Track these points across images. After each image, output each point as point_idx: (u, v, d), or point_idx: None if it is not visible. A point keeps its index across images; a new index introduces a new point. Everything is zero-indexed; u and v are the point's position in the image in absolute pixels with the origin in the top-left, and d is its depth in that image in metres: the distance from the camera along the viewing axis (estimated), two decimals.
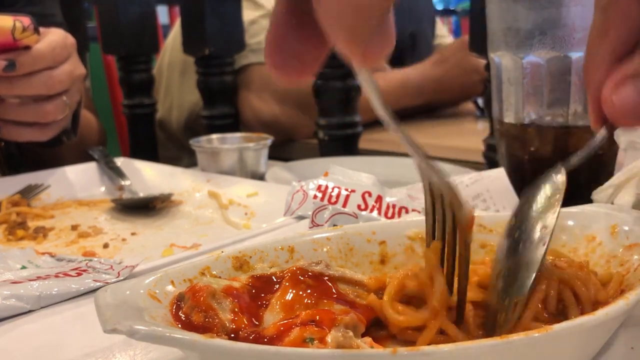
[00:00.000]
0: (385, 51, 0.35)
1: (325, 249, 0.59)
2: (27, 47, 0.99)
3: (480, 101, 2.05)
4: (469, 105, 2.16)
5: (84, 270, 0.65)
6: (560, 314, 0.49)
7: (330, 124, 1.49)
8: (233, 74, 1.80)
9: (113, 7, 1.77)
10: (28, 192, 1.10)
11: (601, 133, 0.56)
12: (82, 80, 1.13)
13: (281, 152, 1.69)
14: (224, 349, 0.39)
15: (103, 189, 1.18)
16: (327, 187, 0.82)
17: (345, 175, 0.86)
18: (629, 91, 0.46)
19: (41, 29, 1.03)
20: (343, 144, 1.50)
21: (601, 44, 0.50)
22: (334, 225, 0.69)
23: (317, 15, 0.34)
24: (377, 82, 0.37)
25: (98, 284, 0.62)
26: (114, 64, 2.33)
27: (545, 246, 0.48)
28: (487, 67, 1.11)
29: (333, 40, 0.35)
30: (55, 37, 1.04)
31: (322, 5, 0.33)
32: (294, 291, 0.50)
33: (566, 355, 0.44)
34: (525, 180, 0.90)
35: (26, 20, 0.97)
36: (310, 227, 0.75)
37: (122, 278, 0.64)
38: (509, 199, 0.86)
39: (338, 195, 0.81)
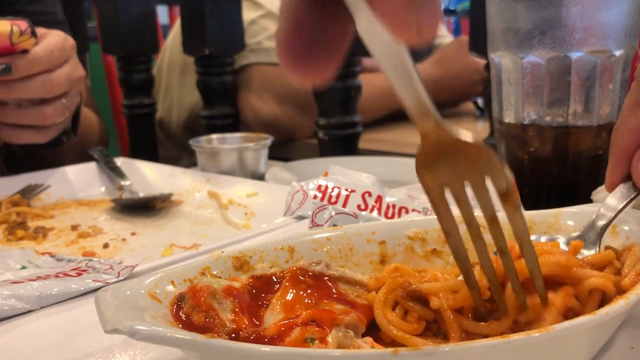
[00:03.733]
0: (435, 27, 0.32)
1: (325, 249, 0.59)
2: (25, 51, 0.99)
3: (480, 101, 2.05)
4: (469, 105, 2.16)
5: (84, 270, 0.65)
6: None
7: (330, 124, 1.49)
8: (233, 74, 1.80)
9: (113, 7, 1.77)
10: (28, 192, 1.10)
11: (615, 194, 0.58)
12: (81, 82, 1.13)
13: (281, 152, 1.69)
14: (224, 349, 0.39)
15: (103, 189, 1.18)
16: (327, 187, 0.82)
17: (345, 175, 0.86)
18: None
19: (41, 31, 1.03)
20: (343, 144, 1.50)
21: (634, 114, 0.54)
22: (334, 225, 0.69)
23: None
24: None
25: (98, 284, 0.62)
26: (114, 64, 2.34)
27: None
28: (487, 67, 1.11)
29: (382, 14, 0.31)
30: (53, 40, 1.04)
31: None
32: (294, 291, 0.50)
33: (566, 355, 0.44)
34: (525, 180, 0.90)
35: (23, 24, 0.97)
36: (310, 227, 0.75)
37: (122, 278, 0.64)
38: None
39: (338, 195, 0.81)
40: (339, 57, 0.36)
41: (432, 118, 0.37)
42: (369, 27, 0.32)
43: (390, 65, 0.35)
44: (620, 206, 0.56)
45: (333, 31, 0.35)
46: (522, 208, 0.43)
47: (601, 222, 0.57)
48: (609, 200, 0.58)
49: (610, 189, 0.58)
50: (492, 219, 0.43)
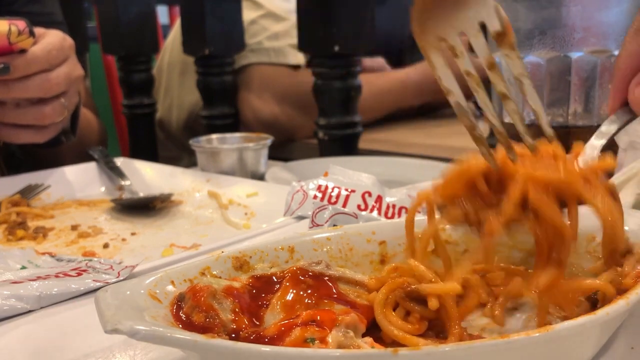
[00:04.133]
0: None
1: (325, 249, 0.59)
2: (23, 51, 0.99)
3: (479, 101, 2.04)
4: (469, 105, 2.16)
5: (84, 270, 0.65)
6: None
7: (330, 124, 1.49)
8: (233, 74, 1.80)
9: (113, 7, 1.77)
10: (28, 192, 1.10)
11: (611, 119, 0.58)
12: (80, 81, 1.13)
13: (281, 152, 1.69)
14: (224, 349, 0.39)
15: (103, 189, 1.18)
16: (327, 187, 0.82)
17: (345, 175, 0.86)
18: None
19: (39, 31, 1.03)
20: (343, 144, 1.50)
21: (635, 39, 0.55)
22: (334, 225, 0.69)
23: None
24: None
25: (98, 284, 0.62)
26: (114, 64, 2.34)
27: None
28: None
29: None
30: (52, 40, 1.04)
31: None
32: (294, 291, 0.50)
33: (566, 355, 0.44)
34: None
35: (21, 24, 0.97)
36: (310, 227, 0.75)
37: (122, 278, 0.64)
38: None
39: (338, 195, 0.81)
40: None
41: None
42: None
43: None
44: (615, 129, 0.57)
45: None
46: (517, 50, 0.42)
47: (598, 142, 0.57)
48: (603, 125, 0.58)
49: (611, 111, 0.59)
50: (490, 64, 0.43)
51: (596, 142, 0.56)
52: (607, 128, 0.58)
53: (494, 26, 0.40)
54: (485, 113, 0.43)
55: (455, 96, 0.42)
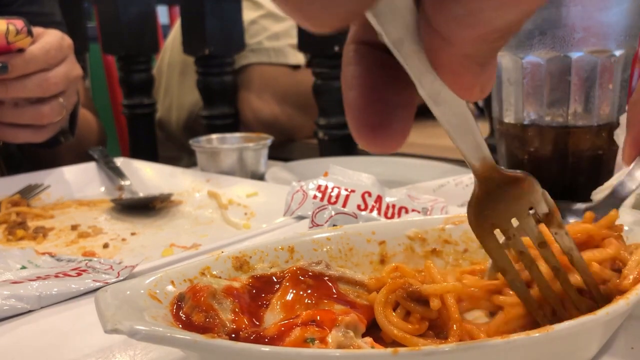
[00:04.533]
0: (492, 84, 0.32)
1: (325, 249, 0.59)
2: (21, 50, 0.99)
3: (480, 101, 2.05)
4: (469, 105, 2.16)
5: (84, 270, 0.65)
6: None
7: (330, 124, 1.49)
8: (233, 74, 1.80)
9: (113, 7, 1.77)
10: (28, 192, 1.10)
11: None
12: (79, 81, 1.13)
13: (281, 152, 1.69)
14: (224, 349, 0.39)
15: (103, 189, 1.18)
16: (327, 187, 0.82)
17: (345, 175, 0.86)
18: None
19: (38, 30, 1.03)
20: (343, 144, 1.50)
21: None
22: (334, 225, 0.69)
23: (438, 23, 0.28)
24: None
25: (98, 284, 0.62)
26: (114, 64, 2.34)
27: None
28: None
29: (450, 80, 0.31)
30: (50, 39, 1.04)
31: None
32: (294, 291, 0.50)
33: (566, 355, 0.44)
34: None
35: (19, 23, 0.97)
36: (310, 227, 0.75)
37: (122, 278, 0.63)
38: None
39: (338, 195, 0.81)
40: (409, 125, 0.36)
41: (488, 160, 0.40)
42: (433, 89, 0.33)
43: (455, 125, 0.37)
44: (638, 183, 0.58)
45: (401, 99, 0.35)
46: (565, 227, 0.46)
47: (624, 191, 0.58)
48: (634, 171, 0.58)
49: (629, 162, 0.59)
50: (541, 243, 0.46)
51: (624, 191, 0.58)
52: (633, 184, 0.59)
53: (542, 209, 0.44)
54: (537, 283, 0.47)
55: (512, 275, 0.46)
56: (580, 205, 0.61)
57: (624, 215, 0.58)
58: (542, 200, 0.43)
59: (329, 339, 0.42)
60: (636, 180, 0.58)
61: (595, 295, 0.47)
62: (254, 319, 0.48)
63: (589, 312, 0.44)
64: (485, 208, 0.43)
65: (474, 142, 0.39)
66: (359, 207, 0.80)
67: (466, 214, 0.43)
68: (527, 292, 0.47)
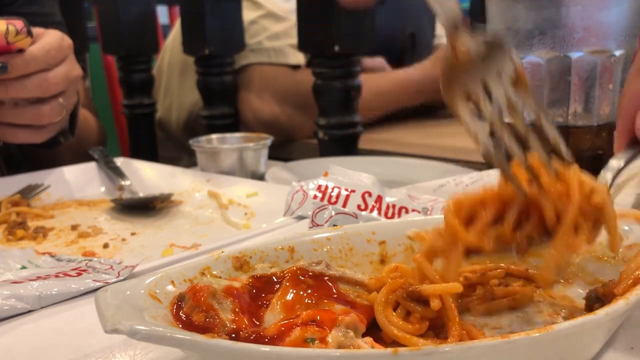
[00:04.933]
0: None
1: (325, 249, 0.59)
2: (21, 50, 0.99)
3: None
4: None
5: (84, 270, 0.65)
6: None
7: (330, 124, 1.49)
8: (233, 74, 1.80)
9: (113, 7, 1.77)
10: (28, 192, 1.10)
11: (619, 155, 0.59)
12: (79, 81, 1.13)
13: (281, 152, 1.69)
14: (224, 349, 0.39)
15: (103, 189, 1.18)
16: (327, 187, 0.82)
17: (345, 175, 0.86)
18: None
19: (37, 30, 1.03)
20: (343, 144, 1.50)
21: (638, 78, 0.58)
22: (334, 225, 0.69)
23: None
24: None
25: (98, 284, 0.62)
26: (114, 64, 2.34)
27: None
28: None
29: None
30: (50, 39, 1.04)
31: None
32: (294, 291, 0.50)
33: (566, 355, 0.44)
34: None
35: (19, 24, 0.97)
36: (310, 227, 0.75)
37: (122, 278, 0.64)
38: None
39: (338, 195, 0.81)
40: None
41: (461, 29, 0.42)
42: None
43: None
44: (623, 164, 0.58)
45: None
46: (531, 91, 0.48)
47: (608, 174, 0.58)
48: (612, 159, 0.59)
49: (619, 148, 0.60)
50: (511, 106, 0.47)
51: (606, 174, 0.58)
52: (616, 162, 0.59)
53: (509, 71, 0.45)
54: (511, 151, 0.49)
55: (483, 143, 0.48)
56: None
57: (624, 197, 0.58)
58: (509, 60, 0.45)
59: (329, 339, 0.42)
60: (621, 161, 0.59)
61: (564, 153, 0.49)
62: (254, 319, 0.48)
63: (549, 170, 0.46)
64: (457, 75, 0.44)
65: (451, 5, 0.40)
66: (359, 207, 0.80)
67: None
68: (499, 157, 0.48)
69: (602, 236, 0.58)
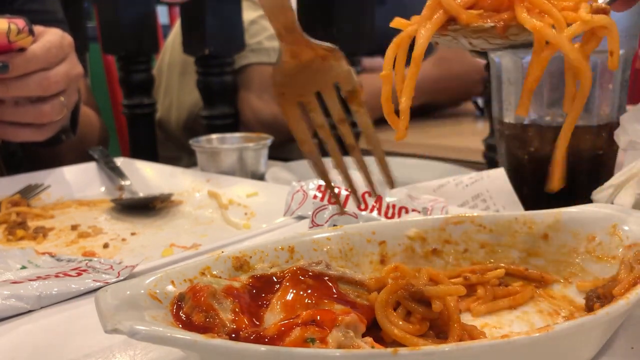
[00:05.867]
0: None
1: (325, 249, 0.59)
2: (22, 49, 0.99)
3: (480, 101, 2.05)
4: (469, 105, 2.16)
5: (84, 270, 0.65)
6: None
7: (330, 123, 1.49)
8: (233, 74, 1.80)
9: (113, 7, 1.77)
10: (28, 192, 1.10)
11: None
12: (79, 79, 1.13)
13: (281, 152, 1.69)
14: (224, 349, 0.39)
15: (103, 189, 1.18)
16: None
17: None
18: None
19: (38, 29, 1.03)
20: (343, 144, 1.50)
21: None
22: (334, 225, 0.69)
23: None
24: None
25: (98, 284, 0.62)
26: (114, 64, 2.34)
27: None
28: (487, 67, 1.11)
29: None
30: (51, 38, 1.04)
31: None
32: (294, 291, 0.50)
33: (566, 355, 0.44)
34: (525, 180, 0.90)
35: (21, 23, 0.97)
36: (310, 227, 0.75)
37: (122, 278, 0.63)
38: (509, 199, 0.86)
39: (338, 195, 0.81)
40: None
41: (295, 27, 0.42)
42: None
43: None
44: None
45: None
46: (365, 107, 0.49)
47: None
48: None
49: None
50: (340, 119, 0.49)
51: None
52: None
53: (347, 87, 0.47)
54: (334, 164, 0.51)
55: (309, 147, 0.50)
56: None
57: (625, 216, 0.58)
58: (348, 77, 0.45)
59: (329, 339, 0.42)
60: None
61: (384, 172, 0.51)
62: (254, 319, 0.48)
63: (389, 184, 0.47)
64: (291, 78, 0.45)
65: (283, 13, 0.41)
66: (359, 207, 0.80)
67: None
68: (321, 162, 0.50)
69: (602, 236, 0.58)
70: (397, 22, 0.53)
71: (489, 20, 0.47)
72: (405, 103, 0.49)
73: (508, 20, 0.47)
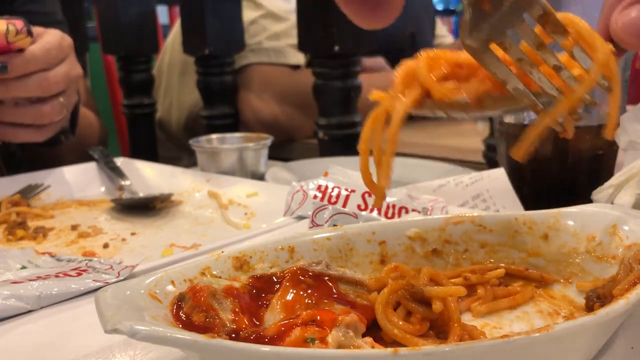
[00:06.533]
0: None
1: (325, 249, 0.59)
2: (21, 50, 0.99)
3: None
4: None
5: (84, 270, 0.65)
6: None
7: (330, 124, 1.49)
8: (233, 74, 1.80)
9: (113, 7, 1.77)
10: (28, 192, 1.10)
11: None
12: (79, 80, 1.13)
13: (281, 152, 1.69)
14: (224, 349, 0.39)
15: (103, 189, 1.18)
16: (327, 187, 0.82)
17: (345, 175, 0.86)
18: (632, 12, 0.51)
19: (38, 30, 1.03)
20: (343, 144, 1.50)
21: None
22: (334, 225, 0.69)
23: None
24: None
25: (98, 284, 0.62)
26: (114, 64, 2.34)
27: None
28: None
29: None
30: (50, 39, 1.04)
31: None
32: (294, 291, 0.50)
33: (566, 355, 0.44)
34: (525, 180, 0.90)
35: (19, 24, 0.98)
36: (310, 227, 0.75)
37: (122, 278, 0.63)
38: (509, 199, 0.86)
39: (338, 195, 0.81)
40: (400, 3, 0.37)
41: None
42: None
43: None
44: None
45: None
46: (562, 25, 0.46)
47: None
48: None
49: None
50: (539, 44, 0.46)
51: None
52: None
53: (537, 12, 0.44)
54: (542, 87, 0.47)
55: (513, 83, 0.46)
56: None
57: (625, 216, 0.58)
58: (535, 2, 0.44)
59: (329, 339, 0.42)
60: None
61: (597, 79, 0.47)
62: (254, 319, 0.48)
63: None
64: (478, 26, 0.43)
65: None
66: (359, 207, 0.80)
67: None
68: (530, 96, 0.46)
69: (602, 236, 0.58)
70: (375, 95, 0.52)
71: (464, 94, 0.47)
72: (384, 183, 0.49)
73: (482, 92, 0.47)
